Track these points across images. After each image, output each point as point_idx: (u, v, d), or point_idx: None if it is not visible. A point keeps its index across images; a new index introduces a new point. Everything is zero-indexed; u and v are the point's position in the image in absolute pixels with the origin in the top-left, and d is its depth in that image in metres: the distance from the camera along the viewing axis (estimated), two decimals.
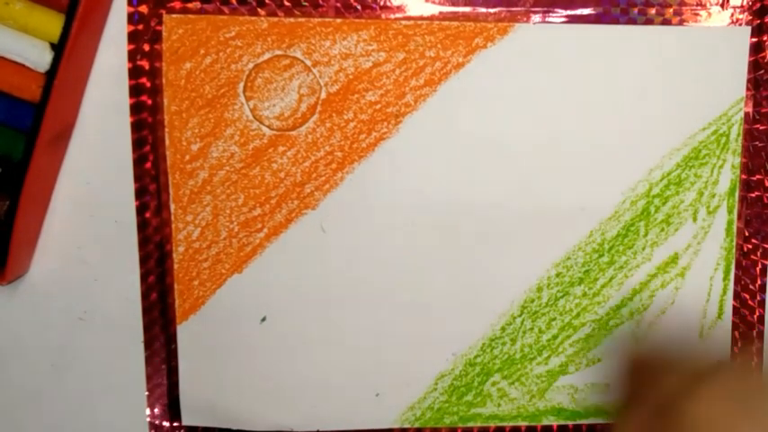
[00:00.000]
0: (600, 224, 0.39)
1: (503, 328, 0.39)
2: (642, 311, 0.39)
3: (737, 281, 0.39)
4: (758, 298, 0.40)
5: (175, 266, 0.38)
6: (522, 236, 0.39)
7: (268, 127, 0.37)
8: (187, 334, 0.39)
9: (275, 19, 0.37)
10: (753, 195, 0.39)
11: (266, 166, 0.38)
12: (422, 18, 0.37)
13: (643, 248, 0.39)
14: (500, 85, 0.38)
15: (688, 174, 0.39)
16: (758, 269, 0.39)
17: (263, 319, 0.39)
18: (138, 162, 0.37)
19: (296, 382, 0.39)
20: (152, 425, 0.39)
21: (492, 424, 0.40)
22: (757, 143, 0.38)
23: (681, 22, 0.38)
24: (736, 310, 0.40)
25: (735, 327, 0.40)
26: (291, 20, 0.37)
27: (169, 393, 0.39)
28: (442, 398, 0.40)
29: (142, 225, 0.38)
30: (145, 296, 0.38)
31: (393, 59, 0.37)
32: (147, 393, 0.39)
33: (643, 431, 0.30)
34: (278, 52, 0.37)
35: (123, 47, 0.37)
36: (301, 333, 0.39)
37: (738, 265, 0.39)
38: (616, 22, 0.38)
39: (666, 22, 0.38)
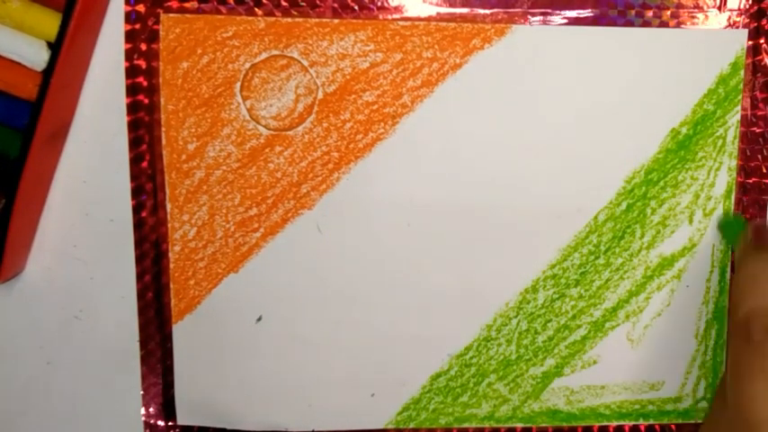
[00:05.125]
0: (596, 226, 0.39)
1: (498, 330, 0.39)
2: (638, 314, 0.39)
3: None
4: None
5: (171, 266, 0.38)
6: (518, 237, 0.39)
7: (265, 127, 0.37)
8: (183, 333, 0.39)
9: (272, 19, 0.37)
10: (749, 198, 0.39)
11: (263, 166, 0.38)
12: (419, 19, 0.37)
13: (639, 250, 0.39)
14: (497, 87, 0.38)
15: (684, 176, 0.39)
16: None
17: (259, 319, 0.39)
18: (135, 161, 0.37)
19: (291, 381, 0.39)
20: (147, 424, 0.39)
21: (487, 425, 0.40)
22: (754, 146, 0.39)
23: (678, 25, 0.38)
24: None
25: None
26: (289, 20, 0.37)
27: (164, 393, 0.39)
28: (438, 398, 0.40)
29: (138, 224, 0.38)
30: (140, 295, 0.38)
31: (390, 60, 0.37)
32: (142, 393, 0.39)
33: None
34: (275, 52, 0.37)
35: (120, 46, 0.37)
36: (297, 333, 0.39)
37: (734, 268, 0.39)
38: (613, 24, 0.38)
39: (664, 25, 0.38)
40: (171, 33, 0.37)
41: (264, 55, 0.37)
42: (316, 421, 0.40)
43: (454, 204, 0.38)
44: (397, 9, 0.37)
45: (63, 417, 0.40)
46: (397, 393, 0.40)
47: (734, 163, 0.39)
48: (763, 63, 0.38)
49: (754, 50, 0.38)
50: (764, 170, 0.39)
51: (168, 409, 0.39)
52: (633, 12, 0.38)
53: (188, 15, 0.37)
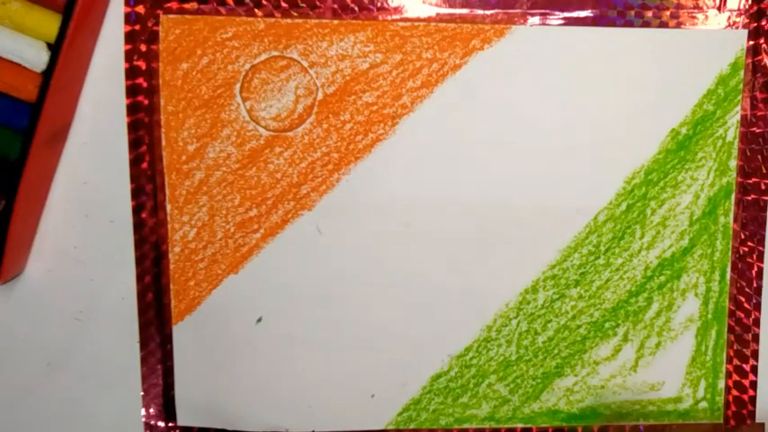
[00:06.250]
0: (596, 226, 0.39)
1: (498, 330, 0.39)
2: (638, 314, 0.40)
3: (733, 283, 0.40)
4: (754, 301, 0.40)
5: (171, 267, 0.38)
6: (517, 237, 0.39)
7: (264, 128, 0.37)
8: (183, 334, 0.39)
9: (272, 20, 0.37)
10: (749, 198, 0.39)
11: (263, 167, 0.38)
12: (419, 20, 0.37)
13: (639, 251, 0.39)
14: (497, 87, 0.38)
15: (684, 176, 0.39)
16: (754, 272, 0.39)
17: (259, 320, 0.39)
18: (135, 162, 0.37)
19: (291, 382, 0.39)
20: (147, 425, 0.39)
21: (487, 426, 0.40)
22: (753, 146, 0.39)
23: (678, 25, 0.38)
24: (731, 313, 0.40)
25: (731, 330, 0.40)
26: (288, 21, 0.37)
27: (164, 393, 0.39)
28: (438, 399, 0.40)
29: (138, 225, 0.38)
30: (140, 296, 0.38)
31: (390, 61, 0.37)
32: (142, 393, 0.39)
33: None
34: (275, 53, 0.37)
35: (120, 47, 0.37)
36: (297, 334, 0.39)
37: (734, 268, 0.39)
38: (613, 24, 0.38)
39: (663, 25, 0.38)
40: (171, 34, 0.37)
41: (264, 56, 0.37)
42: (316, 422, 0.40)
43: (454, 205, 0.38)
44: (397, 10, 0.37)
45: (63, 418, 0.40)
46: (397, 394, 0.40)
47: (734, 163, 0.39)
48: (762, 63, 0.38)
49: (754, 51, 0.38)
50: (764, 170, 0.39)
51: (168, 410, 0.39)
52: (633, 12, 0.38)
53: (188, 16, 0.37)
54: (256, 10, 0.37)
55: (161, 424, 0.39)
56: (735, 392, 0.40)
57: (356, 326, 0.39)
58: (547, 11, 0.37)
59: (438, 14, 0.37)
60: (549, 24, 0.37)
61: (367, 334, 0.39)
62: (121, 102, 0.37)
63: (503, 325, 0.39)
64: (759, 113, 0.38)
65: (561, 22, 0.37)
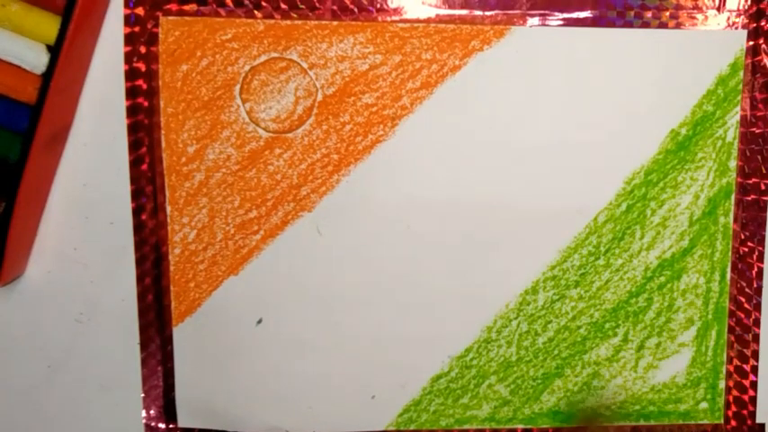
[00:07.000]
0: (596, 227, 0.39)
1: (498, 331, 0.39)
2: (638, 314, 0.40)
3: (734, 284, 0.40)
4: (754, 301, 0.40)
5: (171, 268, 0.38)
6: (517, 238, 0.39)
7: (264, 129, 0.38)
8: (183, 336, 0.39)
9: (272, 21, 0.37)
10: (749, 198, 0.39)
11: (262, 169, 0.38)
12: (418, 21, 0.37)
13: (639, 251, 0.39)
14: (496, 88, 0.38)
15: (684, 177, 0.39)
16: (754, 272, 0.39)
17: (260, 321, 0.39)
18: (135, 164, 0.37)
19: (292, 384, 0.39)
20: (148, 427, 0.39)
21: (488, 427, 0.40)
22: (753, 146, 0.39)
23: (677, 26, 0.38)
24: (732, 313, 0.40)
25: (731, 330, 0.40)
26: (288, 22, 0.37)
27: (165, 395, 0.39)
28: (438, 400, 0.40)
29: (138, 227, 0.38)
30: (141, 298, 0.38)
31: (389, 62, 0.37)
32: (142, 395, 0.39)
33: None
34: (274, 55, 0.37)
35: (120, 49, 0.37)
36: (297, 335, 0.39)
37: (734, 269, 0.39)
38: (612, 25, 0.38)
39: (663, 26, 0.38)
40: (170, 36, 0.37)
41: (264, 57, 0.37)
42: (316, 423, 0.40)
43: (454, 206, 0.38)
44: (396, 11, 0.37)
45: (64, 419, 0.40)
46: (397, 395, 0.40)
47: (733, 163, 0.39)
48: (762, 64, 0.38)
49: (754, 51, 0.38)
50: (764, 171, 0.39)
51: (169, 412, 0.39)
52: (632, 13, 0.38)
53: (187, 18, 0.37)
54: (256, 11, 0.37)
55: (161, 425, 0.39)
56: (735, 393, 0.40)
57: (356, 327, 0.39)
58: (546, 12, 0.37)
59: (437, 15, 0.37)
60: (548, 25, 0.37)
61: (367, 335, 0.39)
62: (121, 103, 0.37)
63: (503, 326, 0.39)
64: (759, 114, 0.38)
65: (561, 22, 0.37)
